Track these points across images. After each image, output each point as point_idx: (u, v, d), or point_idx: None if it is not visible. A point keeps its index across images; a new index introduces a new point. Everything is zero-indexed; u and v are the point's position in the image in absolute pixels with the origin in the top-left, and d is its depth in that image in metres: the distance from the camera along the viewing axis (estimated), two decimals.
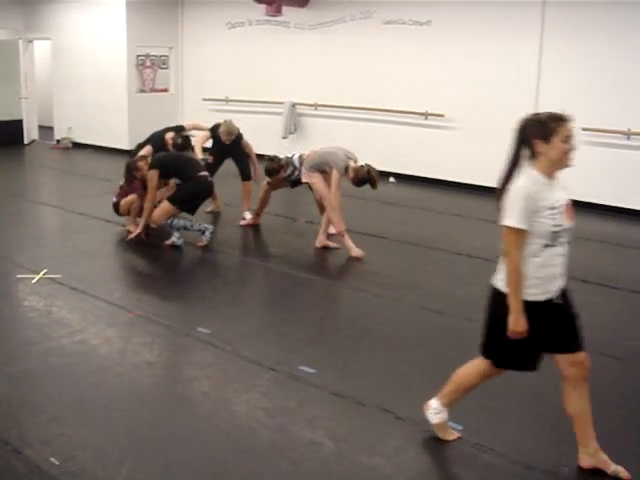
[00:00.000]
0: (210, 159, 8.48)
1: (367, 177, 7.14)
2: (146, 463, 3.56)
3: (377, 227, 8.12)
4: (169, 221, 7.41)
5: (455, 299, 6.10)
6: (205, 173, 7.59)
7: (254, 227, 8.43)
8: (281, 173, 7.90)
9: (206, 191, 7.69)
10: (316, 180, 7.38)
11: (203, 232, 7.47)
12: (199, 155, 8.45)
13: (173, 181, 7.55)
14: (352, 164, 7.26)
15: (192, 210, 7.53)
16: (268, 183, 8.11)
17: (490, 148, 10.60)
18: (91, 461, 3.53)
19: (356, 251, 7.21)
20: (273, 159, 7.96)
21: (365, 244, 7.48)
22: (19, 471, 3.46)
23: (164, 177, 7.52)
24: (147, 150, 8.41)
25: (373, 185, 7.19)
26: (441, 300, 6.05)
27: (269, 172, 7.95)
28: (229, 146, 8.65)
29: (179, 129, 8.81)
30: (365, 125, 12.07)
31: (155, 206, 7.48)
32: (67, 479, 3.38)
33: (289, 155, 7.98)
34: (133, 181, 7.74)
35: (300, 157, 7.82)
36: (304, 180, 7.59)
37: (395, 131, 11.72)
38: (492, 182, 11.30)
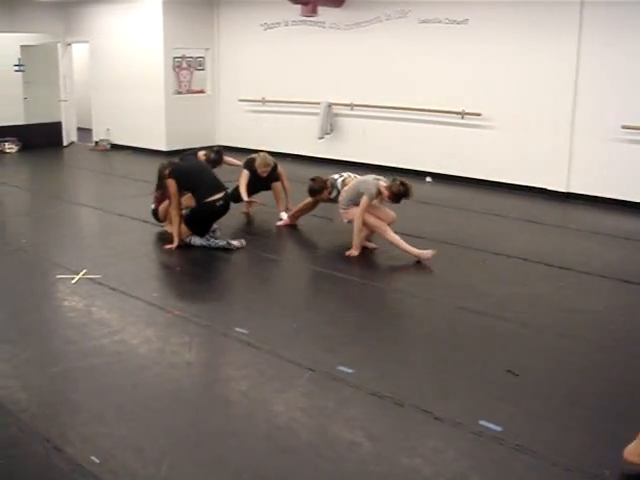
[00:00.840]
0: (257, 203, 8.57)
1: (402, 189, 7.09)
2: (185, 462, 3.57)
3: (414, 227, 8.08)
4: (187, 240, 7.47)
5: (493, 299, 6.05)
6: (216, 196, 7.39)
7: (291, 227, 8.43)
8: (324, 193, 7.92)
9: (214, 216, 7.57)
10: (355, 213, 7.29)
11: (226, 248, 7.41)
12: (245, 197, 8.48)
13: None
14: (382, 183, 7.26)
15: (203, 233, 7.51)
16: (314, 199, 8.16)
17: (527, 147, 10.55)
18: (131, 459, 3.56)
19: (425, 253, 7.04)
20: (315, 179, 8.00)
21: None
22: (60, 469, 3.49)
23: (180, 188, 7.45)
24: None
25: (408, 196, 7.17)
26: (479, 300, 6.00)
27: (310, 191, 8.00)
28: (264, 178, 8.64)
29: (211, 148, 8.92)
30: (401, 125, 12.03)
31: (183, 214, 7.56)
32: (108, 477, 3.41)
33: (335, 177, 7.96)
34: (164, 187, 7.77)
35: (343, 182, 7.78)
36: (345, 220, 7.45)
37: (431, 131, 11.66)
38: (529, 181, 11.27)
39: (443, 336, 5.31)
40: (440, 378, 4.57)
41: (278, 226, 8.47)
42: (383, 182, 7.29)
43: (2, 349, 4.93)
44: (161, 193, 8.01)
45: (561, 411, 4.16)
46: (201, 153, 8.63)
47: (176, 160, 8.25)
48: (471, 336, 5.30)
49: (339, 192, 7.79)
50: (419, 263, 7.00)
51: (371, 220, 7.24)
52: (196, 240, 7.47)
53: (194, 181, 7.49)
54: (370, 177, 7.44)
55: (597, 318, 5.71)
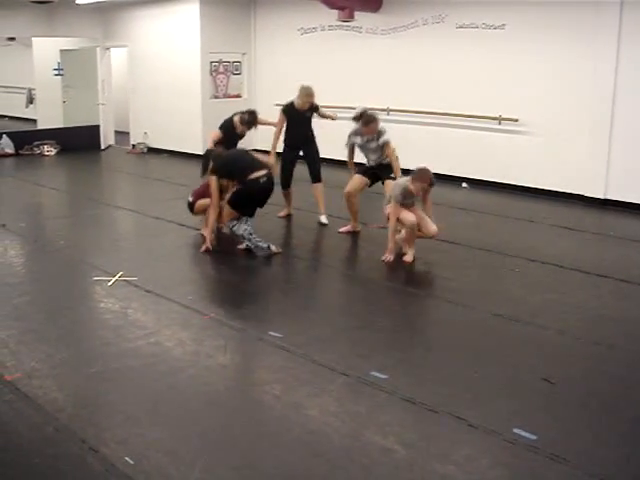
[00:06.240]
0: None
1: (419, 172, 7.08)
2: (218, 465, 3.59)
3: (449, 233, 8.03)
4: (231, 225, 7.45)
5: (528, 306, 6.00)
6: (258, 174, 7.32)
7: (327, 231, 8.44)
8: (372, 126, 8.14)
9: (260, 193, 7.43)
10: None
11: (257, 250, 7.41)
12: (272, 159, 8.50)
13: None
14: (409, 181, 7.26)
15: (251, 214, 7.46)
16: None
17: (565, 153, 10.44)
18: (164, 461, 3.58)
19: (407, 257, 7.18)
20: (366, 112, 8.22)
21: (437, 250, 7.45)
22: (95, 469, 3.53)
23: (224, 177, 7.49)
24: (216, 134, 8.80)
25: (431, 180, 7.15)
26: (514, 307, 5.96)
27: (359, 118, 8.23)
28: (303, 121, 8.79)
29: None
30: (438, 130, 11.98)
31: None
32: (141, 478, 3.44)
33: (385, 129, 8.30)
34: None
35: (385, 142, 8.17)
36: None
37: (468, 136, 11.60)
38: (566, 187, 11.11)
39: (478, 343, 5.27)
40: (474, 385, 4.54)
41: (340, 232, 8.34)
42: (409, 182, 7.22)
43: (39, 349, 4.99)
44: (202, 189, 8.00)
45: (597, 420, 4.11)
46: (236, 117, 8.72)
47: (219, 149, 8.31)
48: (506, 343, 5.26)
49: (377, 146, 8.14)
50: (455, 269, 6.96)
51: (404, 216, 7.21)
52: (239, 228, 7.40)
53: (235, 165, 7.49)
54: (400, 180, 7.40)
55: (634, 326, 5.64)
